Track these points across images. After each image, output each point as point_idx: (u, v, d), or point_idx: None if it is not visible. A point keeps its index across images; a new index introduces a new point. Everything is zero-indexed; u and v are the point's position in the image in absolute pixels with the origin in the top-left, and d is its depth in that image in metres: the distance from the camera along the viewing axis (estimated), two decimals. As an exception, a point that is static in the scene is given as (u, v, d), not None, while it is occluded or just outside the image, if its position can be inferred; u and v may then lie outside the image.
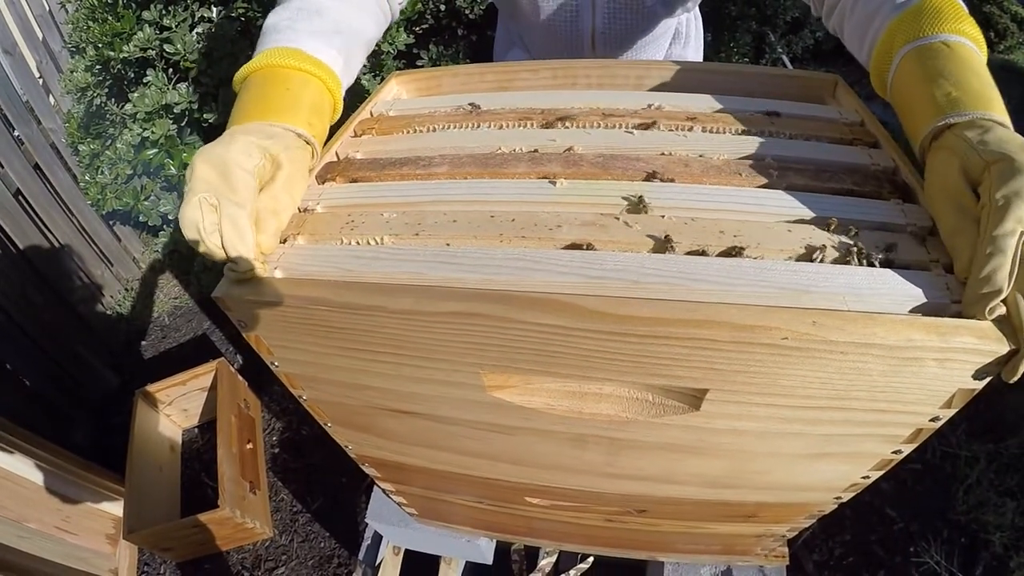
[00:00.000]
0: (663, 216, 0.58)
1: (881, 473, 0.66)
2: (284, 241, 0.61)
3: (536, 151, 0.68)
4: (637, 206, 0.59)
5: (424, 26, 2.32)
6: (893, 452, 0.62)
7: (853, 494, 0.72)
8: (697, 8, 1.23)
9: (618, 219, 0.58)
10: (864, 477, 0.67)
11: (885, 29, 0.65)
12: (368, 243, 0.60)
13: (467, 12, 2.28)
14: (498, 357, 0.55)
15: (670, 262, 0.53)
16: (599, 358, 0.52)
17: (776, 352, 0.48)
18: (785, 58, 2.82)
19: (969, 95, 0.56)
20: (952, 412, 0.54)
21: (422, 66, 2.35)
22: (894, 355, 0.48)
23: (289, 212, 0.62)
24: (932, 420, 0.56)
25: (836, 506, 0.76)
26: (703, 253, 0.54)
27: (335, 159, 0.74)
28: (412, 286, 0.52)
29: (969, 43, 0.60)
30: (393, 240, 0.59)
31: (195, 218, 0.54)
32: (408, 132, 0.76)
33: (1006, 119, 0.55)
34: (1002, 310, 0.47)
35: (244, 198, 0.56)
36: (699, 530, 0.90)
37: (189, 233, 0.55)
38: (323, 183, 0.69)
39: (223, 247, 0.55)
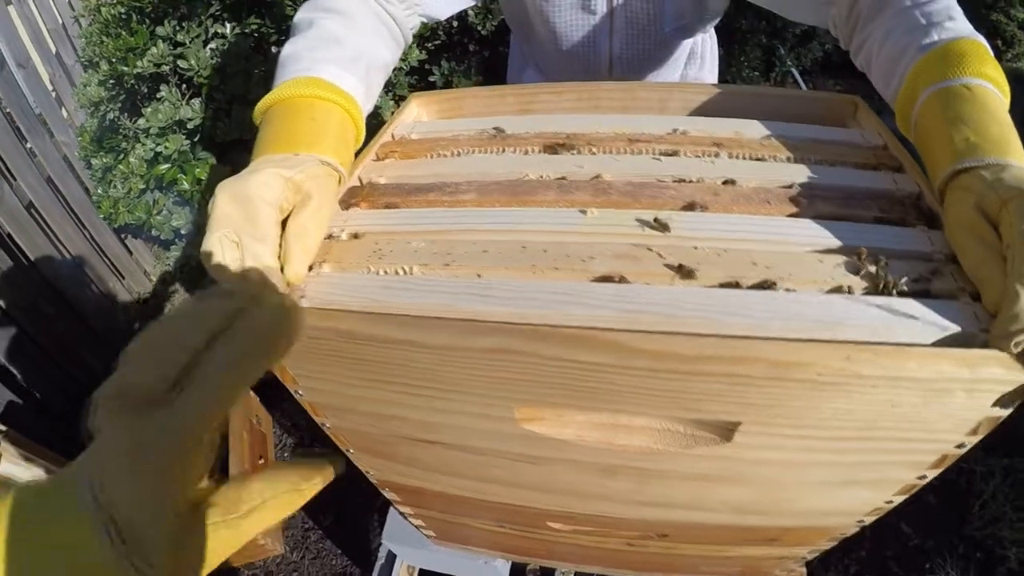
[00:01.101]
0: (695, 247, 0.57)
1: (904, 497, 0.66)
2: (310, 269, 0.61)
3: (564, 178, 0.68)
4: (662, 227, 0.59)
5: (436, 42, 2.33)
6: (918, 478, 0.62)
7: (875, 517, 0.71)
8: (713, 29, 1.24)
9: (651, 250, 0.57)
10: (888, 502, 0.67)
11: (910, 71, 0.66)
12: (397, 272, 0.59)
13: (479, 28, 2.30)
14: (531, 392, 0.55)
15: (704, 296, 0.53)
16: (633, 393, 0.52)
17: (810, 387, 0.48)
18: (795, 71, 2.83)
19: (988, 140, 0.56)
20: (978, 439, 0.54)
21: (434, 82, 2.37)
22: (924, 387, 0.48)
23: (318, 241, 0.62)
24: (958, 447, 0.56)
25: (858, 529, 0.76)
26: (737, 285, 0.54)
27: (358, 183, 0.73)
28: (448, 320, 0.52)
29: (991, 87, 0.61)
30: (422, 270, 0.59)
31: (216, 256, 0.54)
32: (432, 156, 0.76)
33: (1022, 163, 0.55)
34: None
35: (265, 232, 0.56)
36: (720, 553, 0.90)
37: (211, 271, 0.55)
38: (347, 208, 0.69)
39: (247, 283, 0.55)
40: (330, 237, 0.65)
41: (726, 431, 0.56)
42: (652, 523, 0.79)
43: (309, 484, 0.48)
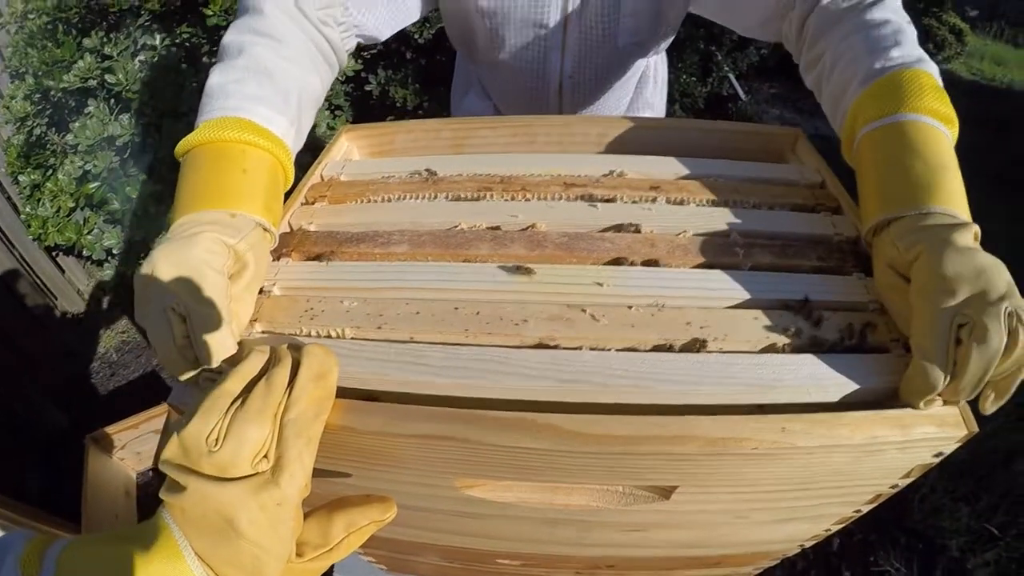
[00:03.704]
0: (629, 307, 0.57)
1: (843, 526, 0.67)
2: None
3: (498, 228, 0.67)
4: (596, 286, 0.59)
5: (372, 51, 2.29)
6: (854, 511, 0.63)
7: (816, 541, 0.73)
8: (664, 52, 1.22)
9: (584, 311, 0.57)
10: (826, 530, 0.69)
11: (850, 107, 0.65)
12: (329, 335, 0.58)
13: (416, 37, 2.27)
14: (468, 469, 0.54)
15: (637, 361, 0.53)
16: (572, 469, 0.52)
17: (747, 458, 0.48)
18: (732, 76, 2.86)
19: (911, 187, 0.56)
20: (911, 480, 0.56)
21: (370, 91, 2.33)
22: (859, 450, 0.49)
23: (250, 311, 0.60)
24: (892, 487, 0.57)
25: (799, 550, 0.77)
26: (670, 348, 0.54)
27: (288, 230, 0.71)
28: (382, 405, 0.51)
29: (926, 119, 0.59)
30: (354, 332, 0.57)
31: (163, 332, 0.51)
32: (362, 201, 0.74)
33: (951, 206, 0.54)
34: (938, 402, 0.49)
35: (222, 303, 0.53)
36: (667, 576, 0.91)
37: (162, 351, 0.52)
38: (278, 258, 0.67)
39: (201, 358, 0.52)
40: (260, 292, 0.63)
41: (664, 491, 0.56)
42: (599, 559, 0.79)
43: (384, 516, 0.52)
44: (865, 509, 0.62)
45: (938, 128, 0.59)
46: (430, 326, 0.57)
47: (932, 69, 0.64)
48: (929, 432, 0.48)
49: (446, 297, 0.59)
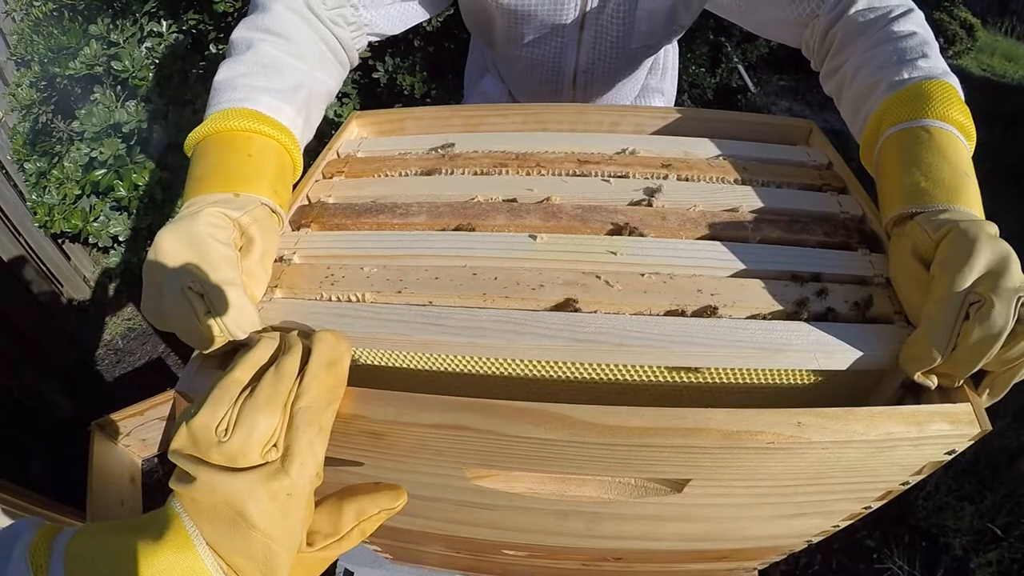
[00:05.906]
0: (642, 275, 0.59)
1: (851, 522, 0.67)
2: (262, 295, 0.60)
3: (514, 200, 0.68)
4: (610, 254, 0.60)
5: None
6: (864, 508, 0.63)
7: (824, 537, 0.73)
8: (675, 40, 1.22)
9: (599, 278, 0.58)
10: (835, 526, 0.69)
11: (877, 108, 0.66)
12: (350, 299, 0.59)
13: (425, 24, 2.25)
14: (480, 459, 0.54)
15: (651, 323, 0.54)
16: (585, 460, 0.51)
17: (762, 452, 0.48)
18: (741, 67, 2.85)
19: (937, 186, 0.57)
20: (922, 477, 0.55)
21: (378, 78, 2.32)
22: (873, 446, 0.48)
23: (263, 287, 0.60)
24: (903, 484, 0.57)
25: (806, 546, 0.77)
26: (682, 313, 0.56)
27: (307, 203, 0.72)
28: (395, 394, 0.50)
29: (951, 129, 0.61)
30: (375, 297, 0.59)
31: (185, 312, 0.50)
32: (380, 176, 0.75)
33: (972, 209, 0.56)
34: (933, 379, 0.50)
35: (232, 274, 0.53)
36: (673, 569, 0.91)
37: (186, 330, 0.52)
38: (298, 229, 0.68)
39: (221, 333, 0.51)
40: (281, 259, 0.64)
41: (677, 484, 0.56)
42: (606, 551, 0.79)
43: (395, 504, 0.51)
44: (875, 505, 0.62)
45: (960, 140, 0.61)
46: (449, 291, 0.58)
47: (956, 83, 0.65)
48: (943, 429, 0.48)
49: (464, 264, 0.61)
